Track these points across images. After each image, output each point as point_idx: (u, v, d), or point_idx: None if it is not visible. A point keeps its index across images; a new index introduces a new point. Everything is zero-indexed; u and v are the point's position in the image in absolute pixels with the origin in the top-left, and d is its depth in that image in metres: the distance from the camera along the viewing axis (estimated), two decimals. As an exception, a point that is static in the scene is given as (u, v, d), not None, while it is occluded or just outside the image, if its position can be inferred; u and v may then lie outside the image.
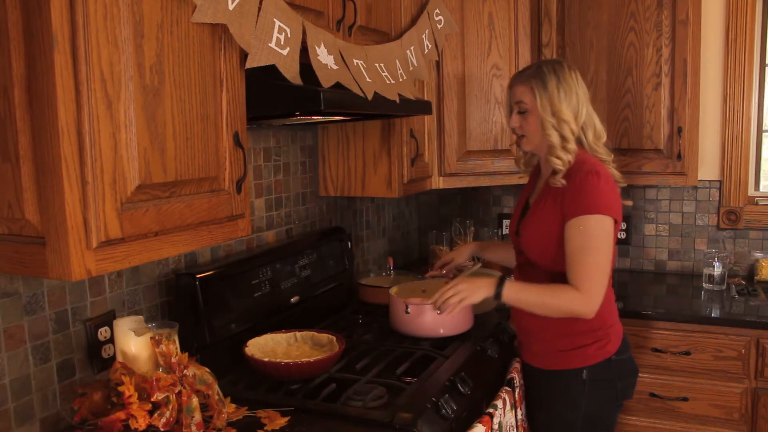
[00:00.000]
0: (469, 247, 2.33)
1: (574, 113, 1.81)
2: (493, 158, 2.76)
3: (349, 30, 1.88)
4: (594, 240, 1.71)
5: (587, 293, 1.71)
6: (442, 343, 2.04)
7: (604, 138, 1.87)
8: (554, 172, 1.82)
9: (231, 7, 1.35)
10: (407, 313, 2.06)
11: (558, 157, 1.80)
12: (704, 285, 2.72)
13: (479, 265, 2.27)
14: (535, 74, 1.84)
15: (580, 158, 1.82)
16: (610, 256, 1.75)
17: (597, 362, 1.83)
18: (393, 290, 2.22)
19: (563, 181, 1.78)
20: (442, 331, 2.07)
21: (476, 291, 1.83)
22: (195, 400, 1.37)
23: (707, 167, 2.89)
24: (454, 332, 2.08)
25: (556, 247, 1.79)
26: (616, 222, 1.76)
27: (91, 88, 1.09)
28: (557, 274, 1.80)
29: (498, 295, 1.79)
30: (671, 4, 2.58)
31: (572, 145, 1.81)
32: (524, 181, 2.79)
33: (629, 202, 1.97)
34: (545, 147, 1.85)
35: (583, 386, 1.84)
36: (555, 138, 1.81)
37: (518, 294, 1.81)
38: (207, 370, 1.44)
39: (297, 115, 1.77)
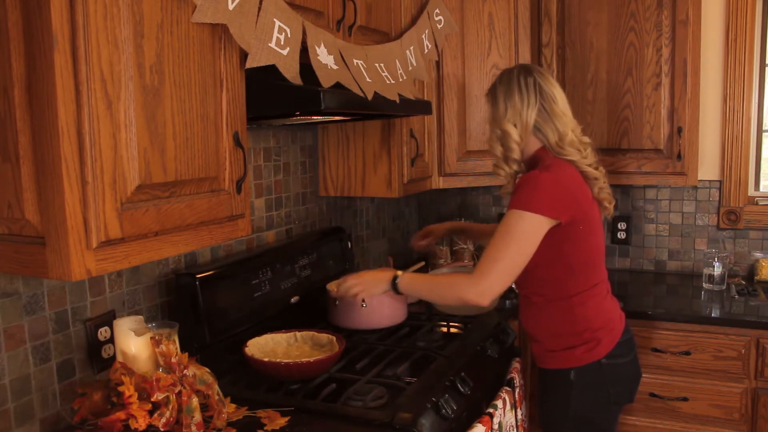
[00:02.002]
0: (446, 226, 2.44)
1: (521, 122, 1.82)
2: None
3: (349, 30, 1.89)
4: (507, 234, 1.70)
5: (477, 280, 1.71)
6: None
7: (570, 137, 1.83)
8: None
9: (231, 7, 1.35)
10: (363, 306, 2.11)
11: (501, 168, 1.88)
12: (704, 285, 2.72)
13: (422, 263, 2.33)
14: (492, 87, 1.91)
15: (540, 156, 1.83)
16: (523, 254, 1.71)
17: (585, 364, 1.83)
18: (334, 285, 2.22)
19: (508, 193, 1.87)
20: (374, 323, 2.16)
21: (375, 285, 1.90)
22: (195, 400, 1.37)
23: (707, 167, 2.89)
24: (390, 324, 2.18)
25: (539, 252, 1.76)
26: (561, 223, 1.73)
27: (91, 88, 1.09)
28: (537, 275, 1.82)
29: (395, 288, 1.86)
30: (671, 4, 2.57)
31: (515, 156, 1.84)
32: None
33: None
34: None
35: (571, 387, 1.85)
36: (498, 150, 1.88)
37: (412, 285, 1.86)
38: (207, 370, 1.44)
39: (297, 115, 1.77)
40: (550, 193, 1.71)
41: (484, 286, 1.70)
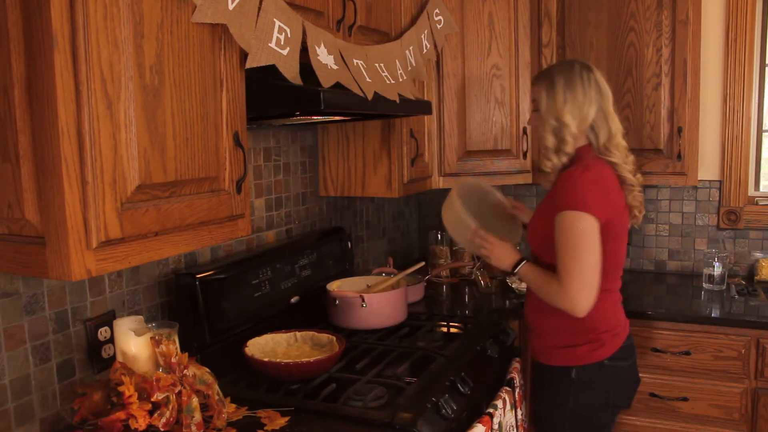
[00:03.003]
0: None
1: (580, 116, 1.81)
2: (493, 158, 2.76)
3: (349, 30, 1.89)
4: (570, 236, 1.72)
5: (565, 289, 1.73)
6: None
7: (618, 139, 1.84)
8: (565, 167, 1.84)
9: (231, 7, 1.35)
10: (363, 306, 2.11)
11: (549, 159, 1.86)
12: (704, 285, 2.72)
13: (422, 263, 2.44)
14: (547, 74, 1.87)
15: (577, 156, 1.83)
16: (594, 255, 1.72)
17: (587, 363, 1.84)
18: (334, 285, 2.26)
19: (550, 183, 1.86)
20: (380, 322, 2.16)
21: (501, 260, 1.94)
22: (195, 400, 1.37)
23: (707, 167, 2.89)
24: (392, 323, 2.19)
25: (550, 242, 1.80)
26: (603, 222, 1.73)
27: (91, 88, 1.10)
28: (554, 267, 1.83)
29: (514, 272, 1.91)
30: (671, 4, 2.57)
31: (568, 149, 1.82)
32: (524, 180, 2.84)
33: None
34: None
35: (571, 385, 1.86)
36: (550, 141, 1.85)
37: (527, 276, 1.89)
38: (207, 370, 1.44)
39: (297, 115, 1.77)
40: (592, 193, 1.73)
41: (573, 293, 1.72)
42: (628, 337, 1.92)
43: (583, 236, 1.71)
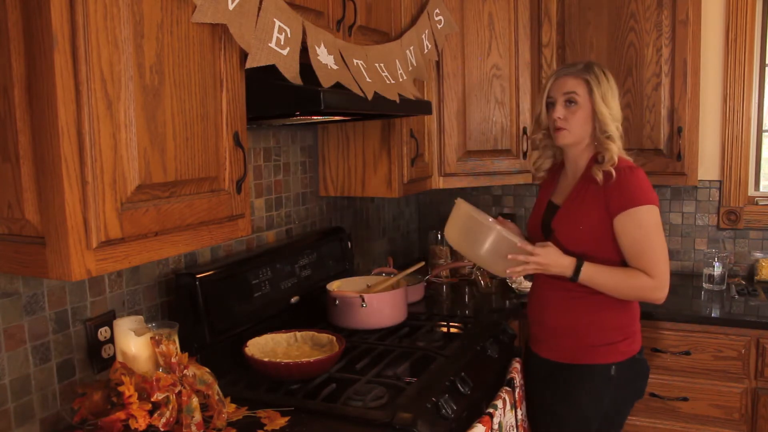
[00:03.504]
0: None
1: (617, 119, 1.90)
2: (493, 158, 2.76)
3: (349, 30, 1.89)
4: (651, 228, 1.80)
5: (659, 278, 1.81)
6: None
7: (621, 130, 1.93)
8: (596, 162, 1.87)
9: (231, 7, 1.35)
10: (363, 306, 2.11)
11: (617, 148, 1.85)
12: (704, 285, 2.72)
13: (422, 263, 2.43)
14: (588, 70, 1.88)
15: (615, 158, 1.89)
16: (665, 242, 1.83)
17: (625, 359, 1.88)
18: (334, 285, 2.26)
19: (601, 174, 1.82)
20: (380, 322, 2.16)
21: (558, 266, 1.82)
22: (195, 400, 1.37)
23: (707, 167, 2.89)
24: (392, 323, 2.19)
25: (595, 240, 1.84)
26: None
27: (91, 88, 1.09)
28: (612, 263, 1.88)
29: (575, 278, 1.82)
30: (671, 4, 2.57)
31: (619, 140, 1.89)
32: (524, 180, 2.83)
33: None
34: (583, 142, 1.91)
35: (610, 382, 1.87)
36: (613, 130, 1.86)
37: (593, 279, 1.83)
38: (207, 370, 1.44)
39: (297, 115, 1.77)
40: (649, 185, 1.84)
41: (665, 283, 1.82)
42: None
43: (659, 227, 1.82)
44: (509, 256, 1.81)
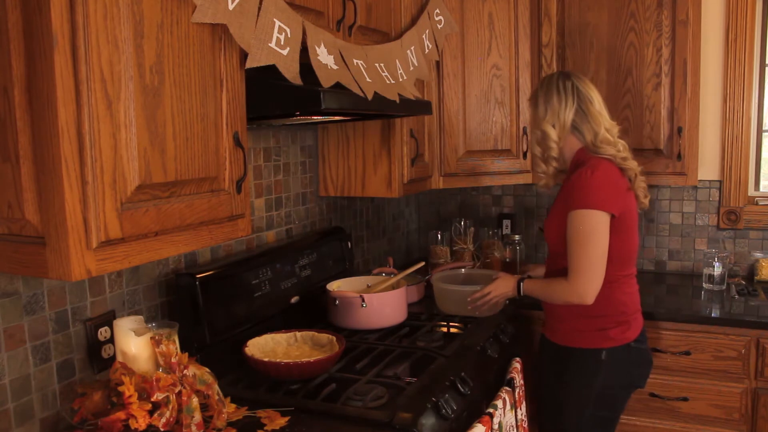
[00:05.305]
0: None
1: (560, 122, 1.95)
2: (493, 158, 2.76)
3: (349, 30, 1.88)
4: (581, 233, 1.85)
5: (574, 284, 1.87)
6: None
7: (604, 134, 1.94)
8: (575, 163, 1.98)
9: (231, 7, 1.35)
10: (363, 306, 2.13)
11: (539, 167, 2.06)
12: (704, 285, 2.72)
13: (422, 263, 2.52)
14: (533, 93, 2.07)
15: (581, 157, 1.96)
16: (600, 247, 1.85)
17: (616, 345, 1.93)
18: (334, 285, 2.27)
19: (547, 186, 2.08)
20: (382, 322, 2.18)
21: (506, 289, 2.13)
22: (195, 400, 1.37)
23: (707, 167, 2.89)
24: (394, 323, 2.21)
25: (562, 239, 1.93)
26: (614, 215, 1.85)
27: (91, 88, 1.09)
28: None
29: (519, 293, 2.10)
30: (671, 4, 2.57)
31: (554, 154, 1.98)
32: (524, 180, 2.85)
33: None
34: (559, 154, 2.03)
35: (600, 366, 1.93)
36: (537, 150, 2.06)
37: (531, 290, 2.06)
38: (207, 370, 1.44)
39: (297, 115, 1.77)
40: (602, 189, 1.85)
41: (580, 288, 1.86)
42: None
43: (591, 232, 1.84)
44: (468, 299, 2.21)
